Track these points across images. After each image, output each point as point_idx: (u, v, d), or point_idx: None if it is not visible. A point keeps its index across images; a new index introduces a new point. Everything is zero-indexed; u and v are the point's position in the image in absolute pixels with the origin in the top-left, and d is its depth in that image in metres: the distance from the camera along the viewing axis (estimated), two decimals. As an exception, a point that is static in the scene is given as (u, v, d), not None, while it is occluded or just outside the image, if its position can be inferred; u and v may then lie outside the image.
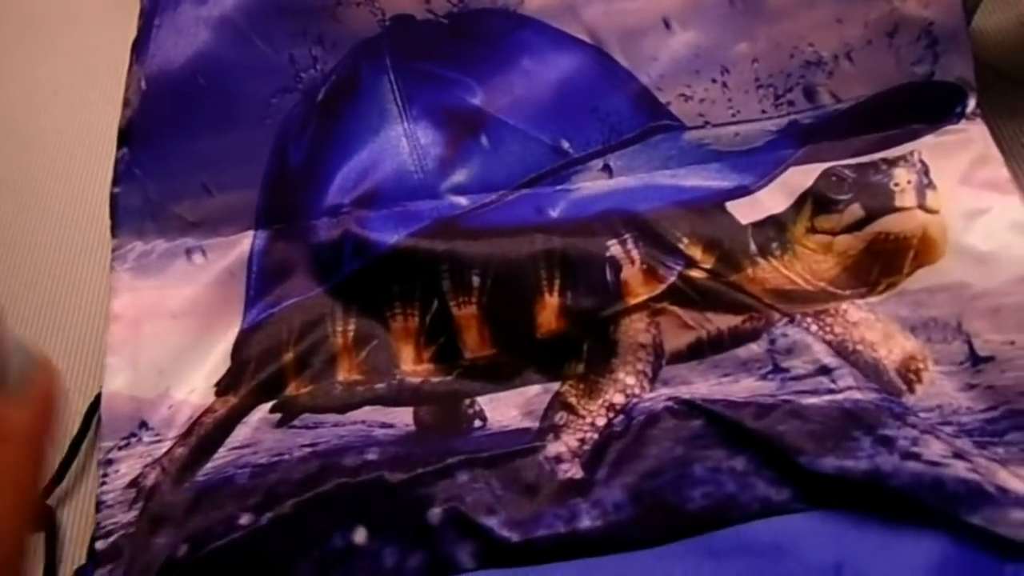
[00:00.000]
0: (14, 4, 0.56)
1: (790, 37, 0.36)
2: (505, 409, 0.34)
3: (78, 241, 0.43)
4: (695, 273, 0.34)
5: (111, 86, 0.40)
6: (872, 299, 0.33)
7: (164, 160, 0.38)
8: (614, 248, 0.35)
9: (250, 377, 0.35)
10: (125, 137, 0.38)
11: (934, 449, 0.29)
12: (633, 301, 0.34)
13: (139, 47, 0.38)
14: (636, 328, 0.33)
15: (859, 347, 0.32)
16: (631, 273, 0.34)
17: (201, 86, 0.38)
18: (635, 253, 0.35)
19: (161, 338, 0.36)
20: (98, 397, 0.36)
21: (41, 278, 0.43)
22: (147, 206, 0.38)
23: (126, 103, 0.38)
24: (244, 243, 0.38)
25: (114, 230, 0.38)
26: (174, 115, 0.38)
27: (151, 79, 0.38)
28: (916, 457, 0.28)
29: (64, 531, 0.36)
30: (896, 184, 0.34)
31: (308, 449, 0.33)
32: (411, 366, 0.35)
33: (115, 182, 0.38)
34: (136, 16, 0.39)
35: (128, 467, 0.34)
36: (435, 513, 0.30)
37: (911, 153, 0.35)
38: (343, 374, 0.35)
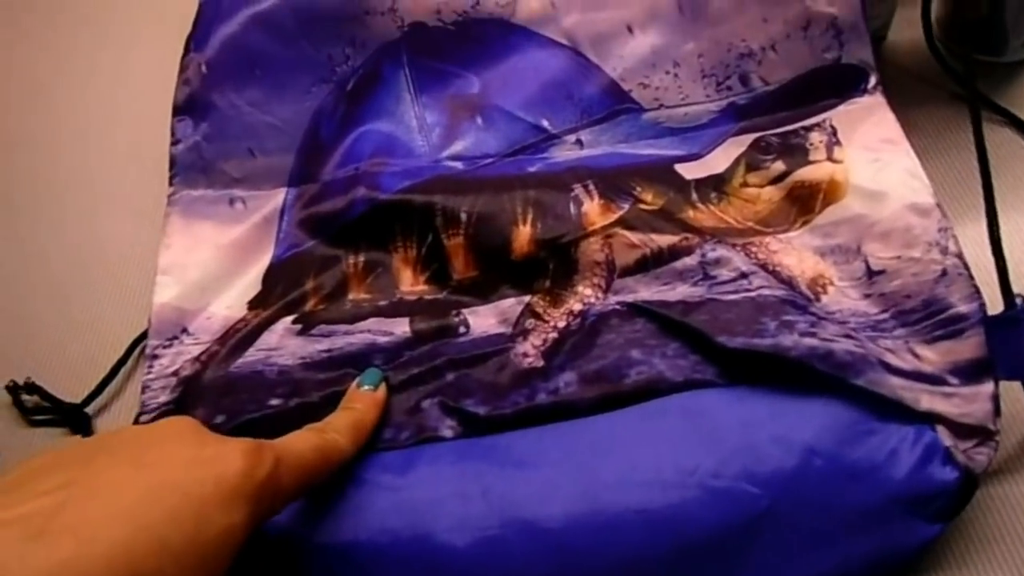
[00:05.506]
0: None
1: (727, 36, 0.44)
2: (485, 319, 0.40)
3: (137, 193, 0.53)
4: (644, 207, 0.41)
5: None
6: (791, 234, 0.40)
7: (219, 128, 0.47)
8: (578, 189, 0.42)
9: (277, 298, 0.43)
10: (186, 108, 0.47)
11: (829, 331, 0.35)
12: (591, 228, 0.41)
13: (197, 39, 0.47)
14: (593, 249, 0.40)
15: (777, 268, 0.39)
16: (591, 207, 0.41)
17: (256, 76, 0.47)
18: (595, 193, 0.42)
19: (204, 264, 0.43)
20: (144, 333, 0.44)
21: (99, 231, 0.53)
22: (200, 163, 0.46)
23: (186, 82, 0.47)
24: (278, 197, 0.46)
25: (171, 180, 0.46)
26: (232, 95, 0.47)
27: (211, 65, 0.47)
28: (813, 335, 0.34)
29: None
30: (811, 144, 0.41)
31: (325, 355, 0.40)
32: (409, 287, 0.42)
33: (175, 142, 0.47)
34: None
35: (170, 360, 0.41)
36: (426, 403, 0.37)
37: (824, 120, 0.42)
38: (353, 294, 0.42)
